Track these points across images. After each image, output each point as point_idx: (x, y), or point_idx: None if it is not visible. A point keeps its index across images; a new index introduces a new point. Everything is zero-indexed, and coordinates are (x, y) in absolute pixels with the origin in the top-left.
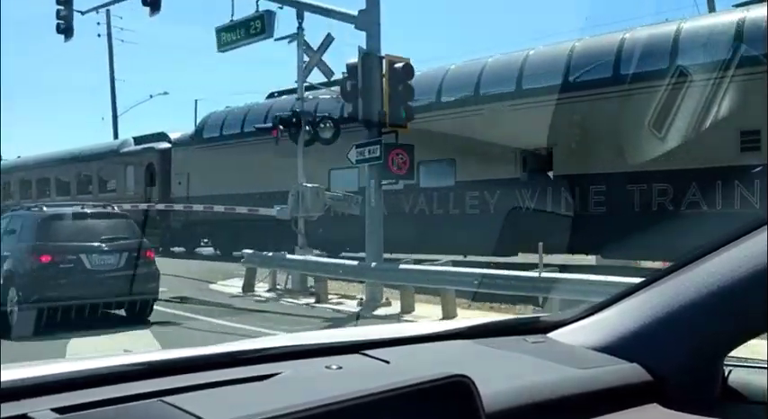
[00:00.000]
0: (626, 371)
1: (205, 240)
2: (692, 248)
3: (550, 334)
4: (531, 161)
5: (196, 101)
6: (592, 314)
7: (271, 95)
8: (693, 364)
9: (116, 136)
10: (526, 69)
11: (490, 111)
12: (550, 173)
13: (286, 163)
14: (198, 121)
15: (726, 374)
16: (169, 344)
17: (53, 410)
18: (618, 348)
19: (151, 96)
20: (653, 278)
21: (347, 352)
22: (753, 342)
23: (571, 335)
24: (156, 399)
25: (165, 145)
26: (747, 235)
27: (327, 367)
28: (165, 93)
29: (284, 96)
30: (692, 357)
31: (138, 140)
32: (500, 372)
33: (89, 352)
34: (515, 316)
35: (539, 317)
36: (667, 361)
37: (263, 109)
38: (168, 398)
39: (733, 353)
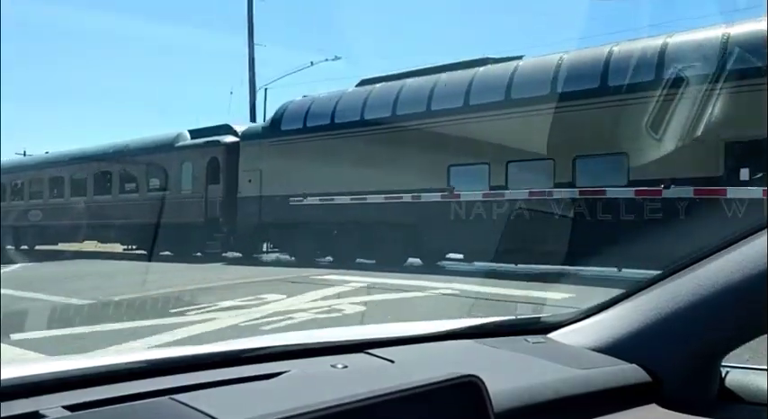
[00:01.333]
0: (625, 372)
1: (273, 245)
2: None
3: (551, 335)
4: (737, 153)
5: (266, 89)
6: (591, 315)
7: (363, 83)
8: (692, 365)
9: (253, 119)
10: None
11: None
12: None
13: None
14: (258, 113)
15: (723, 375)
16: None
17: (65, 407)
18: (617, 349)
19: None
20: (652, 280)
21: (352, 352)
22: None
23: (571, 336)
24: (166, 397)
25: (231, 138)
26: (747, 238)
27: (333, 366)
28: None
29: (380, 84)
30: (690, 358)
31: (195, 133)
32: (502, 372)
33: None
34: (516, 317)
35: (539, 318)
36: (666, 362)
37: (356, 97)
38: (178, 396)
39: (733, 353)
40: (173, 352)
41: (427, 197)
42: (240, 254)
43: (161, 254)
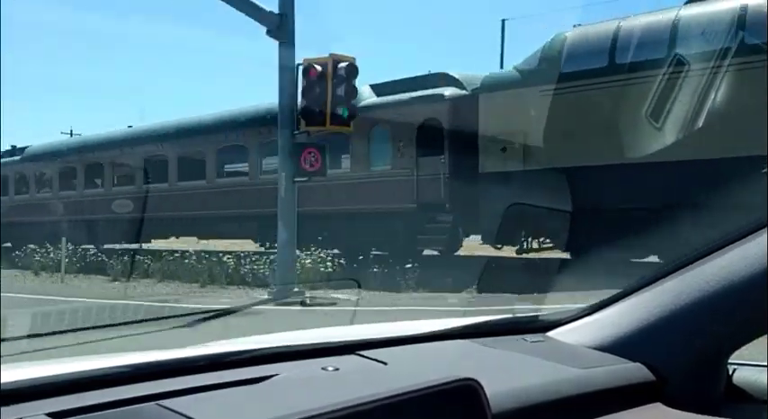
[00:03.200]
0: (629, 371)
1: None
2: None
3: (550, 334)
4: None
5: (503, 20)
6: (591, 313)
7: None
8: (697, 363)
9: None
10: None
11: None
12: None
13: None
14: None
15: (730, 373)
16: None
17: (48, 415)
18: (620, 347)
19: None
20: (654, 277)
21: (343, 353)
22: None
23: (571, 334)
24: (152, 403)
25: (454, 90)
26: (752, 234)
27: (323, 368)
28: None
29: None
30: (695, 356)
31: (382, 89)
32: (501, 372)
33: None
34: (513, 315)
35: (537, 316)
36: (671, 361)
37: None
38: (165, 402)
39: (739, 352)
40: (159, 356)
41: None
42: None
43: (332, 251)
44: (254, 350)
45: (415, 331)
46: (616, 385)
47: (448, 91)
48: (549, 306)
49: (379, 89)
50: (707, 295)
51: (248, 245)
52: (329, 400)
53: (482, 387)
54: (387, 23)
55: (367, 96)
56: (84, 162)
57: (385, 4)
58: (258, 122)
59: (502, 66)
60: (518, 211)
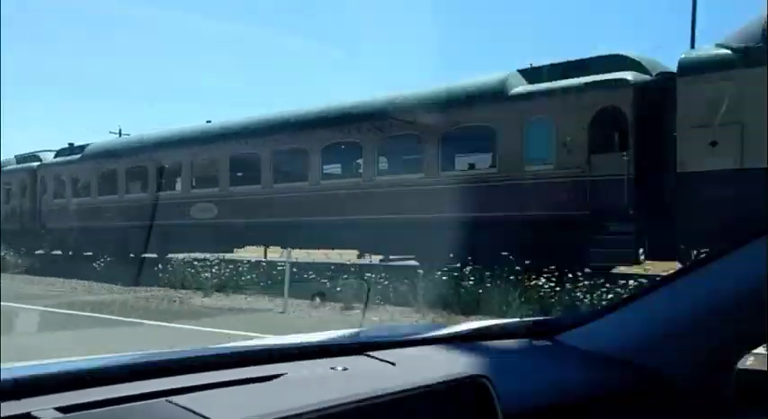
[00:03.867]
0: (636, 375)
1: None
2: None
3: (557, 337)
4: None
5: None
6: (597, 317)
7: None
8: (705, 369)
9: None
10: None
11: None
12: None
13: None
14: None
15: (739, 378)
16: None
17: (56, 409)
18: (627, 352)
19: None
20: (659, 282)
21: (352, 354)
22: None
23: (578, 338)
24: (162, 399)
25: (636, 75)
26: (758, 239)
27: (333, 368)
28: None
29: None
30: (704, 361)
31: (533, 74)
32: (509, 374)
33: None
34: (520, 319)
35: (544, 320)
36: (679, 366)
37: None
38: (174, 398)
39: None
40: (170, 354)
41: None
42: None
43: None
44: (264, 349)
45: (422, 333)
46: (624, 389)
47: (630, 75)
48: None
49: (530, 75)
50: (713, 300)
51: (350, 255)
52: (338, 398)
53: (492, 384)
54: None
55: (517, 83)
56: (156, 161)
57: None
58: (377, 116)
59: (693, 45)
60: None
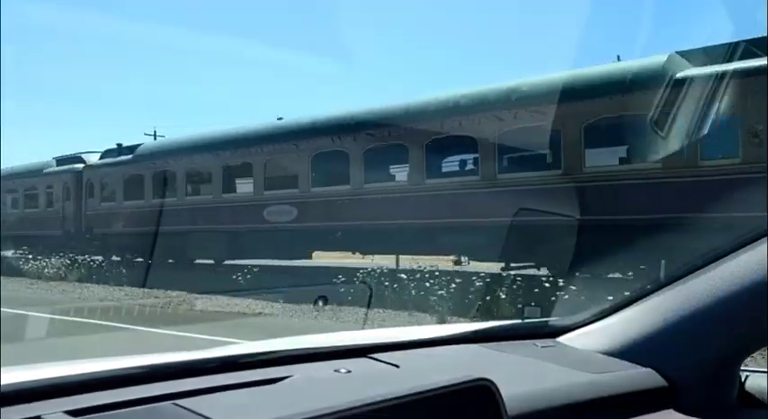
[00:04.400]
0: (640, 376)
1: None
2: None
3: (560, 339)
4: None
5: None
6: (601, 318)
7: None
8: (710, 369)
9: None
10: None
11: None
12: None
13: None
14: None
15: (743, 379)
16: None
17: (66, 412)
18: (631, 353)
19: None
20: (662, 283)
21: (355, 356)
22: None
23: (581, 340)
24: (169, 402)
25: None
26: (759, 240)
27: (336, 371)
28: None
29: None
30: (708, 362)
31: (692, 55)
32: (513, 376)
33: None
34: (523, 321)
35: (547, 321)
36: (683, 366)
37: None
38: (181, 401)
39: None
40: (175, 357)
41: None
42: None
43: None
44: (269, 352)
45: (426, 335)
46: (628, 390)
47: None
48: None
49: (691, 57)
50: (717, 301)
51: (444, 263)
52: (342, 401)
53: (497, 388)
54: None
55: (681, 65)
56: (221, 160)
57: None
58: (500, 105)
59: None
60: None
